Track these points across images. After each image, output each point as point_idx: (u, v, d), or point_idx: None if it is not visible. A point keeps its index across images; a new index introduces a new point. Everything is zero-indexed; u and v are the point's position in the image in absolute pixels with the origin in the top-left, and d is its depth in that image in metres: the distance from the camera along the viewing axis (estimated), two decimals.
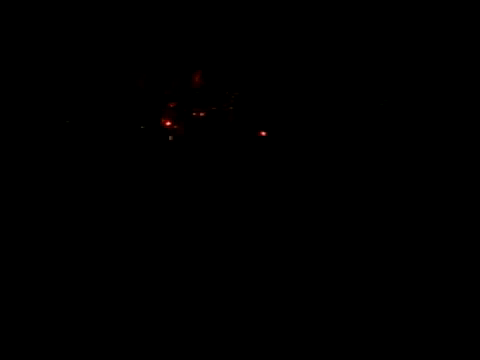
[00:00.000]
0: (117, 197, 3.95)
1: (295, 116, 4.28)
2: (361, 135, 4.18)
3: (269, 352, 2.58)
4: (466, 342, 2.62)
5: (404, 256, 3.41)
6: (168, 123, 4.33)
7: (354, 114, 4.22)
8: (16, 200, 3.85)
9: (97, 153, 4.20)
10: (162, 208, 3.88)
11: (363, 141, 4.16)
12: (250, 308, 2.91)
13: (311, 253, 3.46)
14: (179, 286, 3.12)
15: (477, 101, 4.05)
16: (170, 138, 4.31)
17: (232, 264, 3.36)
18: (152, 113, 4.33)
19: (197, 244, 3.56)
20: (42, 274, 3.21)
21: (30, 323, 2.75)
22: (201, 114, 4.36)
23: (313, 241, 3.57)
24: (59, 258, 3.38)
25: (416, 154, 4.05)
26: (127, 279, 3.18)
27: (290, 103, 4.30)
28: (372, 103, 4.19)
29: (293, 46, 4.26)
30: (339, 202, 3.90)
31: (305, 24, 4.21)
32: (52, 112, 4.25)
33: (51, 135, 4.22)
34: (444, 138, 4.05)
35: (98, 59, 4.28)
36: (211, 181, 4.09)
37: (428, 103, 4.13)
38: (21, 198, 3.87)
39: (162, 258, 3.42)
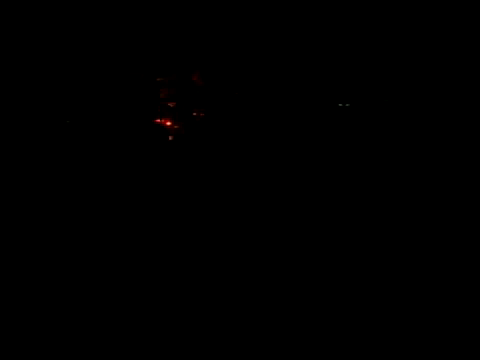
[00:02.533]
0: (117, 196, 3.95)
1: (295, 116, 4.28)
2: (361, 135, 4.18)
3: (269, 352, 2.58)
4: (466, 342, 2.62)
5: (403, 255, 3.41)
6: (168, 123, 4.33)
7: (354, 114, 4.22)
8: (16, 199, 3.86)
9: (97, 153, 4.20)
10: (162, 207, 3.88)
11: (363, 141, 4.16)
12: (250, 308, 2.91)
13: (311, 252, 3.46)
14: (179, 285, 3.12)
15: (477, 101, 4.05)
16: (170, 138, 4.32)
17: (232, 263, 3.36)
18: (152, 113, 4.33)
19: (197, 243, 3.56)
20: (42, 273, 3.21)
21: (30, 323, 2.75)
22: (201, 114, 4.36)
23: (313, 240, 3.57)
24: (59, 257, 3.38)
25: (416, 154, 4.05)
26: (127, 278, 3.18)
27: (290, 103, 4.30)
28: (372, 103, 4.19)
29: (293, 46, 4.26)
30: (339, 202, 3.90)
31: (305, 24, 4.21)
32: (52, 112, 4.25)
33: (51, 135, 4.22)
34: (444, 138, 4.04)
35: (98, 59, 4.28)
36: (211, 181, 4.08)
37: (428, 103, 4.13)
38: (21, 197, 3.88)
39: (162, 257, 3.42)
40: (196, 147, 4.29)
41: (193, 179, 4.11)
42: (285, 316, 2.84)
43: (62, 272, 3.23)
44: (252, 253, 3.46)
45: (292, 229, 3.69)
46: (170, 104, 4.37)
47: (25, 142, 4.15)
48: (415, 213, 3.76)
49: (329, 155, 4.15)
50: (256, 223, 3.75)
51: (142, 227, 3.70)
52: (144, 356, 2.55)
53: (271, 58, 4.29)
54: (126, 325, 2.76)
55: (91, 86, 4.29)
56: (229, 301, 2.97)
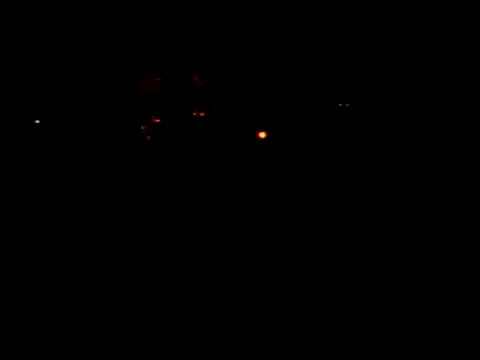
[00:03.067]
0: (117, 196, 3.95)
1: (295, 116, 4.28)
2: (361, 135, 4.18)
3: (269, 352, 2.58)
4: (466, 342, 2.62)
5: (403, 256, 3.41)
6: (168, 123, 4.33)
7: (354, 114, 4.22)
8: (15, 200, 3.86)
9: (97, 153, 4.20)
10: (162, 207, 3.88)
11: (362, 141, 4.16)
12: (250, 308, 2.91)
13: (310, 252, 3.46)
14: (178, 285, 3.12)
15: (477, 101, 4.05)
16: (170, 138, 4.32)
17: (231, 263, 3.36)
18: (152, 113, 4.33)
19: (197, 242, 3.56)
20: (41, 273, 3.21)
21: (30, 323, 2.75)
22: (201, 114, 4.36)
23: (312, 239, 3.57)
24: (58, 257, 3.38)
25: (416, 154, 4.05)
26: (126, 279, 3.18)
27: (290, 103, 4.30)
28: (372, 103, 4.20)
29: (293, 46, 4.26)
30: (338, 202, 3.90)
31: (305, 24, 4.21)
32: (52, 112, 4.26)
33: (51, 135, 4.22)
34: (444, 138, 4.05)
35: (98, 60, 4.29)
36: (211, 181, 4.08)
37: (428, 103, 4.13)
38: (21, 198, 3.88)
39: (162, 257, 3.42)
40: (196, 147, 4.30)
41: (193, 179, 4.11)
42: (285, 316, 2.84)
43: (60, 271, 3.23)
44: (252, 252, 3.47)
45: (292, 228, 3.69)
46: (170, 105, 4.37)
47: (25, 142, 4.16)
48: (415, 212, 3.76)
49: (329, 154, 4.15)
50: (256, 222, 3.75)
51: (142, 226, 3.70)
52: (144, 356, 2.55)
53: (271, 58, 4.29)
54: (125, 325, 2.76)
55: (91, 87, 4.29)
56: (228, 300, 2.97)
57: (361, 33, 4.17)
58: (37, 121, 4.19)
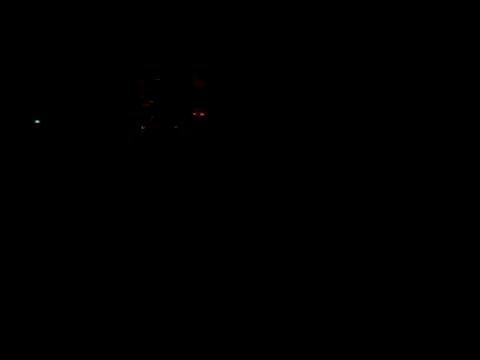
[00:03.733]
0: (116, 196, 3.95)
1: (295, 116, 4.28)
2: (361, 135, 4.18)
3: (269, 352, 2.58)
4: (466, 342, 2.62)
5: (404, 256, 3.41)
6: (169, 123, 4.34)
7: (354, 114, 4.23)
8: (16, 199, 3.86)
9: (97, 153, 4.20)
10: (161, 207, 3.88)
11: (363, 141, 4.17)
12: (249, 308, 2.91)
13: (310, 253, 3.46)
14: (177, 284, 3.12)
15: (477, 101, 4.05)
16: (170, 138, 4.32)
17: (231, 263, 3.36)
18: (152, 113, 4.34)
19: (196, 243, 3.56)
20: (41, 272, 3.21)
21: (30, 323, 2.76)
22: (201, 114, 4.37)
23: (312, 241, 3.58)
24: (57, 256, 3.38)
25: (416, 154, 4.05)
26: (125, 278, 3.18)
27: (290, 103, 4.31)
28: (372, 103, 4.20)
29: (293, 46, 4.26)
30: (338, 202, 3.91)
31: (305, 24, 4.22)
32: (52, 112, 4.26)
33: (51, 135, 4.22)
34: (444, 138, 4.05)
35: (98, 60, 4.29)
36: (211, 181, 4.09)
37: (428, 103, 4.13)
38: (21, 197, 3.88)
39: (161, 256, 3.42)
40: (196, 147, 4.30)
41: (193, 179, 4.11)
42: (285, 316, 2.84)
43: (59, 272, 3.24)
44: (251, 253, 3.47)
45: (291, 229, 3.69)
46: (170, 105, 4.37)
47: (24, 142, 4.16)
48: (415, 213, 3.76)
49: (329, 155, 4.16)
50: (256, 223, 3.75)
51: (142, 227, 3.70)
52: (144, 356, 2.55)
53: (271, 58, 4.29)
54: (125, 325, 2.76)
55: (91, 87, 4.30)
56: (227, 300, 2.97)
57: (360, 33, 4.17)
58: (37, 121, 4.20)
